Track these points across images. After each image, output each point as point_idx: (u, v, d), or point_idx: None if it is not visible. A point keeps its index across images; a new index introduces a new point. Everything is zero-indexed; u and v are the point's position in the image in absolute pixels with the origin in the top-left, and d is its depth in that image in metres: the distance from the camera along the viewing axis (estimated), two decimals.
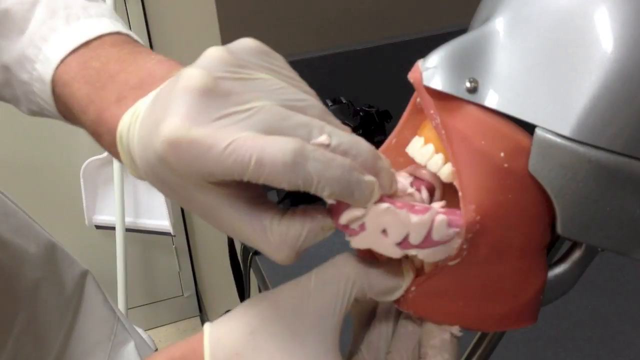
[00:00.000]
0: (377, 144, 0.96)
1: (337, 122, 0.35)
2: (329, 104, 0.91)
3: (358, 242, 0.34)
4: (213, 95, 0.31)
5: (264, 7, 0.91)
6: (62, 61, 0.44)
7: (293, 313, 0.34)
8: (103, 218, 1.84)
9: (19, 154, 1.80)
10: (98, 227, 1.86)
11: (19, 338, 0.59)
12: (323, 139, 0.32)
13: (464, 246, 0.34)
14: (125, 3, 1.70)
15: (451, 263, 0.35)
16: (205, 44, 0.40)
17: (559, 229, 0.35)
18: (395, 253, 0.34)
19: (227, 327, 0.34)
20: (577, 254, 0.37)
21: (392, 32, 0.96)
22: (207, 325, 0.35)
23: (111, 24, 0.46)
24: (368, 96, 0.95)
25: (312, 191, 0.31)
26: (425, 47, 0.98)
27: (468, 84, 0.35)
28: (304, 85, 0.35)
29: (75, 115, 0.44)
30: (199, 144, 0.30)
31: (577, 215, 0.34)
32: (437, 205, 0.36)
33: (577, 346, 0.69)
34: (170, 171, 0.31)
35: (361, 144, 0.34)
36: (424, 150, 0.37)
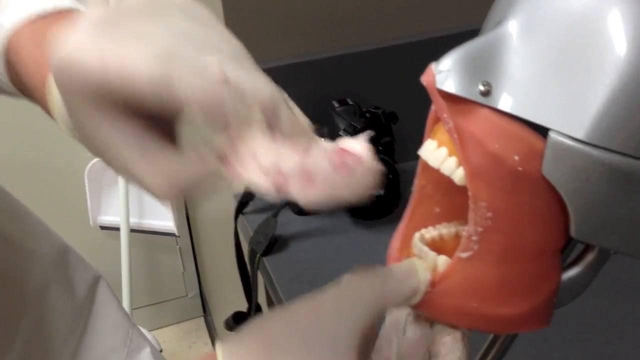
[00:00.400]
0: (384, 145, 0.96)
1: (256, 72, 0.33)
2: (336, 105, 0.91)
3: (231, 170, 0.33)
4: (110, 24, 0.31)
5: (271, 7, 0.91)
6: (16, 30, 0.43)
7: (309, 332, 0.34)
8: (108, 219, 1.84)
9: (22, 156, 1.80)
10: (103, 227, 1.86)
11: (28, 341, 0.59)
12: (214, 65, 0.31)
13: (474, 238, 0.35)
14: None
15: (463, 255, 0.36)
16: None
17: (573, 232, 0.35)
18: (265, 182, 0.32)
19: (241, 346, 0.34)
20: (590, 257, 0.37)
21: (399, 34, 0.96)
22: (220, 345, 0.34)
23: (72, 1, 0.46)
24: (375, 97, 0.95)
25: (180, 104, 0.30)
26: (432, 48, 0.98)
27: (481, 87, 0.35)
28: (227, 35, 0.34)
29: (24, 82, 0.43)
30: (77, 56, 0.30)
31: (590, 218, 0.34)
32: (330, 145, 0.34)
33: (585, 347, 0.70)
34: (68, 97, 0.32)
35: (260, 84, 0.32)
36: (437, 154, 0.37)
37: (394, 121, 0.91)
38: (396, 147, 0.92)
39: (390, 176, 0.84)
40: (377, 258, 0.81)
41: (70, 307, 0.66)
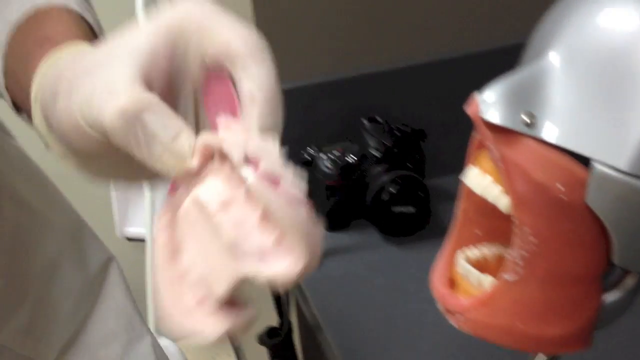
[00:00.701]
0: (414, 162, 0.97)
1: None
2: (366, 123, 0.92)
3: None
4: None
5: (301, 27, 0.93)
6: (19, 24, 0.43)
7: None
8: (134, 230, 1.86)
9: (48, 166, 1.82)
10: (129, 239, 1.88)
11: (34, 308, 0.58)
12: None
13: (519, 262, 0.36)
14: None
15: (508, 277, 0.37)
16: None
17: (615, 259, 0.36)
18: (237, 150, 0.33)
19: None
20: (630, 282, 0.38)
21: (427, 52, 0.97)
22: None
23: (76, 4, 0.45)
24: (404, 115, 0.96)
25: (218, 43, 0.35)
26: (460, 66, 0.98)
27: (525, 118, 0.36)
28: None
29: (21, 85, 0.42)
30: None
31: (632, 245, 0.35)
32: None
33: None
34: None
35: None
36: (481, 181, 0.39)
37: (423, 139, 0.93)
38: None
39: (421, 194, 0.85)
40: (407, 274, 0.82)
41: (81, 282, 0.64)
